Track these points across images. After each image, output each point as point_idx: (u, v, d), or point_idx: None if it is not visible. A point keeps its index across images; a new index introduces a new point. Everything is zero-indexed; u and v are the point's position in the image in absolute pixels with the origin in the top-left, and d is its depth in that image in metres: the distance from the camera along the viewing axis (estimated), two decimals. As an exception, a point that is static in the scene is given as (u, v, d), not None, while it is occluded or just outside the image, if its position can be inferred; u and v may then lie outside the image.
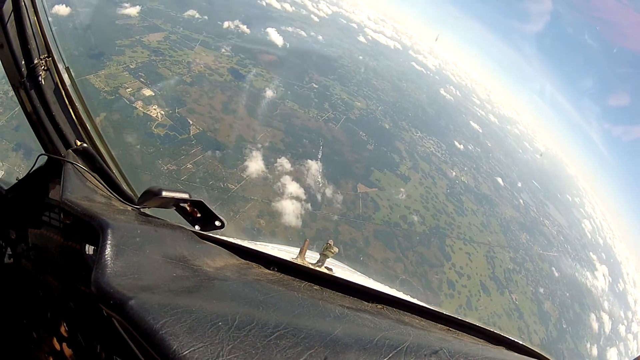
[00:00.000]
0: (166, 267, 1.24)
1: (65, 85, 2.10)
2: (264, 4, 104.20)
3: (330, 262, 2.54)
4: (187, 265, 1.31)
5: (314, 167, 48.12)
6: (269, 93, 56.66)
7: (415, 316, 1.51)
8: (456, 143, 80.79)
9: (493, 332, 1.52)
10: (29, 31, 1.83)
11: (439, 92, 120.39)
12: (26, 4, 1.79)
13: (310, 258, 2.44)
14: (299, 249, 2.37)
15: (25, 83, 1.93)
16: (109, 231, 1.22)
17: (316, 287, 1.53)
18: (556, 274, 59.55)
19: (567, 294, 58.02)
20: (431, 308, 1.57)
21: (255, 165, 43.34)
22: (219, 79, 54.03)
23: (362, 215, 45.53)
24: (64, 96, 2.10)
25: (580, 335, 55.05)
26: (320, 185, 46.74)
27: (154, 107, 43.03)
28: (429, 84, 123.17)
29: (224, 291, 1.21)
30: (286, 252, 2.82)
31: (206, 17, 70.31)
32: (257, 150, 44.88)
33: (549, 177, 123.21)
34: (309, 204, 43.35)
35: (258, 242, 3.33)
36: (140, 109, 42.11)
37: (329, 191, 46.28)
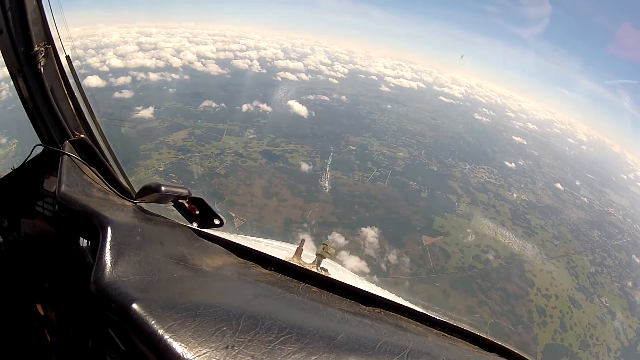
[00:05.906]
0: (167, 267, 1.24)
1: (65, 75, 2.03)
2: (279, 79, 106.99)
3: (324, 262, 2.47)
4: (187, 265, 1.33)
5: (371, 233, 44.45)
6: (307, 167, 55.43)
7: (412, 321, 1.55)
8: (506, 163, 79.66)
9: (486, 338, 1.55)
10: (30, 17, 1.76)
11: (474, 118, 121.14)
12: None
13: (306, 257, 2.34)
14: (295, 248, 2.29)
15: (24, 70, 1.86)
16: (110, 229, 1.20)
17: (314, 288, 1.56)
18: (637, 260, 55.73)
19: (652, 275, 53.89)
20: (426, 313, 1.61)
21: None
22: (253, 164, 53.46)
23: (434, 268, 42.41)
24: (63, 86, 2.03)
25: (669, 308, 50.69)
26: (382, 251, 42.77)
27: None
28: (462, 113, 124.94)
29: (226, 293, 1.25)
30: (281, 250, 3.01)
31: (223, 105, 71.94)
32: (303, 230, 42.26)
33: (599, 164, 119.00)
34: (375, 276, 38.97)
35: (251, 238, 3.58)
36: (176, 210, 40.01)
37: (392, 256, 42.51)
